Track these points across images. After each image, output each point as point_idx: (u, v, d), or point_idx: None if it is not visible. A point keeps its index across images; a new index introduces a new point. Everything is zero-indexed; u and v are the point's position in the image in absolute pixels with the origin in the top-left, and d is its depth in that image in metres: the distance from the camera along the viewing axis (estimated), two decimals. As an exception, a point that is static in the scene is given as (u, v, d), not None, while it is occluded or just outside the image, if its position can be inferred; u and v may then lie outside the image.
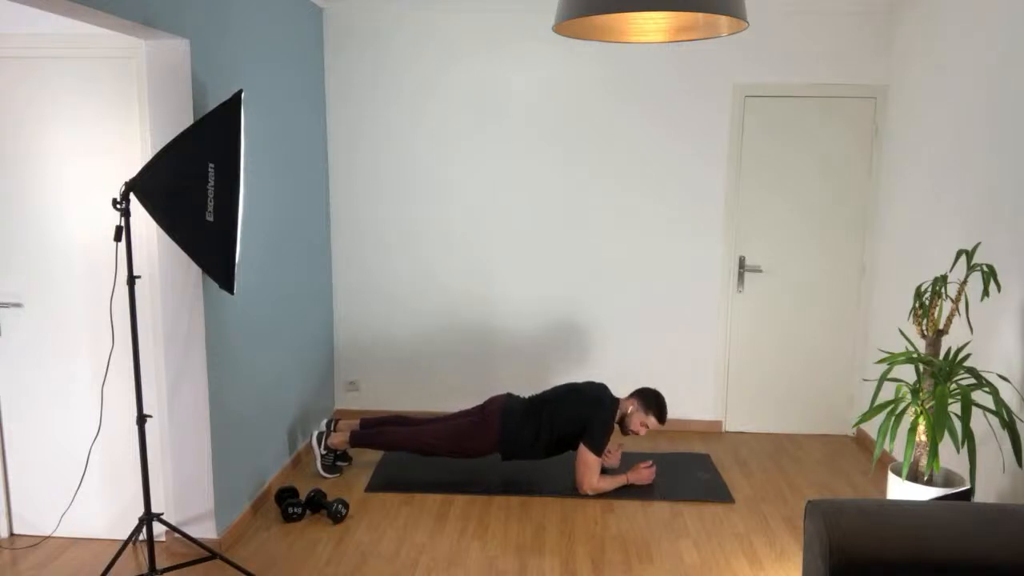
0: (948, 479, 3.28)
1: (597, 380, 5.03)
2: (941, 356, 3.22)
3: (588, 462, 3.94)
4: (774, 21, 4.63)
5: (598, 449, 3.93)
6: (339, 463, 4.26)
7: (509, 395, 4.20)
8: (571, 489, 4.05)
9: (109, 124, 3.22)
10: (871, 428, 4.78)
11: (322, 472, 4.17)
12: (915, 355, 3.20)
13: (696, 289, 4.91)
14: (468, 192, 4.89)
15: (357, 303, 5.05)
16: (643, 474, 4.10)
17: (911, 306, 3.39)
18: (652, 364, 5.00)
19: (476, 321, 5.02)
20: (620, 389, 5.03)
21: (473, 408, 4.24)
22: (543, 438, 4.00)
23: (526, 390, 5.06)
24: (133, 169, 3.24)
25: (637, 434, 4.15)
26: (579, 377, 5.05)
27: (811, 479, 4.29)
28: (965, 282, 3.19)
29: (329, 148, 4.91)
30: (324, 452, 4.17)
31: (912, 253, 4.25)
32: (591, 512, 3.84)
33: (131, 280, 2.83)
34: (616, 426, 4.43)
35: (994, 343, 3.45)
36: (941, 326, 3.26)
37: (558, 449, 4.07)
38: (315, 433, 4.19)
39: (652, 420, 4.09)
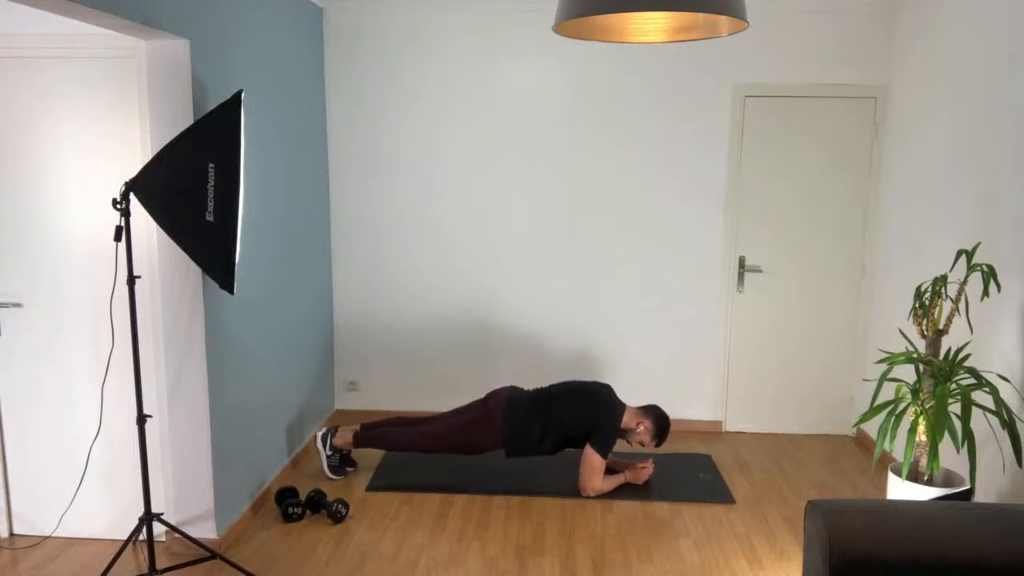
0: (948, 479, 3.27)
1: (598, 380, 5.03)
2: (941, 356, 3.22)
3: (594, 465, 3.93)
4: (774, 21, 4.63)
5: (605, 452, 3.93)
6: (347, 467, 4.25)
7: (513, 388, 4.16)
8: (571, 489, 4.05)
9: (109, 124, 3.22)
10: (871, 428, 4.78)
11: (329, 474, 4.16)
12: (915, 355, 3.20)
13: (696, 289, 4.91)
14: (468, 191, 4.89)
15: (357, 303, 5.05)
16: (641, 473, 4.09)
17: (911, 306, 3.39)
18: (652, 364, 5.00)
19: (476, 320, 5.02)
20: (621, 390, 5.03)
21: (475, 402, 4.23)
22: (550, 436, 3.99)
23: (527, 388, 5.05)
24: (133, 169, 3.24)
25: (628, 444, 4.17)
26: (579, 376, 5.04)
27: (811, 479, 4.29)
28: (965, 282, 3.19)
29: (329, 148, 4.91)
30: (330, 453, 4.16)
31: (912, 253, 4.25)
32: (591, 512, 3.84)
33: (131, 280, 2.83)
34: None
35: (994, 343, 3.45)
36: (941, 326, 3.26)
37: (561, 447, 4.06)
38: (318, 435, 4.18)
39: (651, 445, 4.10)
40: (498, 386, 5.08)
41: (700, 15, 2.37)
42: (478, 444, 4.02)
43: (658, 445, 4.11)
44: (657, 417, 4.06)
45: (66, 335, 3.37)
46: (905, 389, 3.21)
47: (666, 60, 4.70)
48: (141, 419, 2.93)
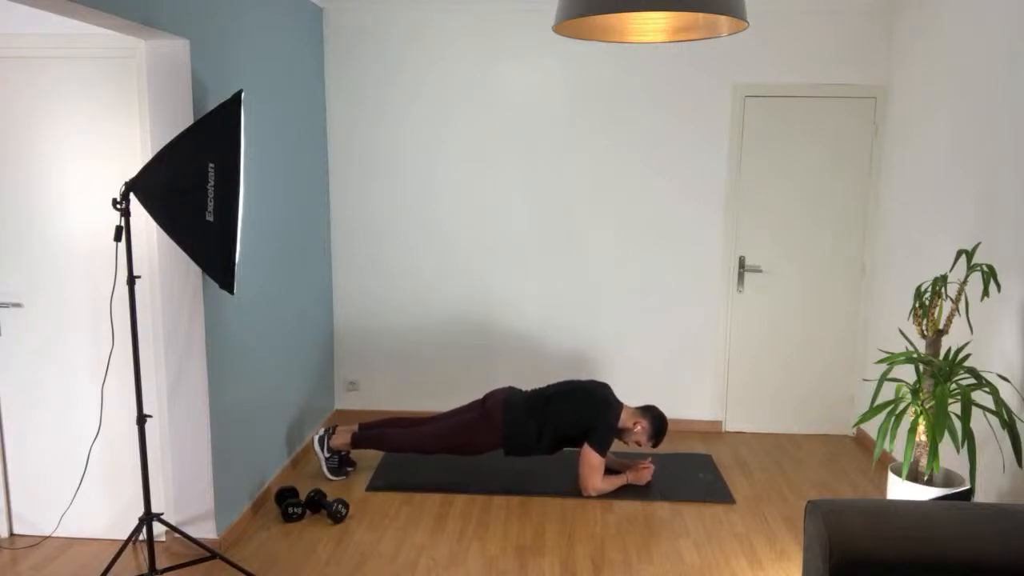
0: (948, 479, 3.27)
1: (598, 380, 5.03)
2: (941, 356, 3.22)
3: (592, 463, 3.93)
4: (774, 21, 4.63)
5: (602, 450, 3.93)
6: (347, 468, 4.25)
7: (511, 389, 4.18)
8: (571, 489, 4.05)
9: (109, 124, 3.22)
10: (871, 428, 4.78)
11: (329, 476, 4.16)
12: (915, 355, 3.20)
13: (696, 289, 4.91)
14: (468, 191, 4.89)
15: (357, 303, 5.05)
16: (642, 474, 4.10)
17: (911, 306, 3.39)
18: (652, 364, 5.00)
19: (476, 320, 5.02)
20: (621, 390, 5.03)
21: (473, 403, 4.23)
22: (547, 435, 3.99)
23: (527, 388, 5.05)
24: (133, 169, 3.24)
25: (626, 444, 4.17)
26: (578, 376, 5.04)
27: (811, 479, 4.29)
28: (965, 282, 3.19)
29: (329, 148, 4.91)
30: (328, 455, 4.16)
31: (912, 253, 4.25)
32: (591, 512, 3.84)
33: (131, 280, 2.83)
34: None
35: (994, 343, 3.45)
36: (941, 326, 3.26)
37: (560, 446, 4.06)
38: (316, 438, 4.18)
39: (648, 445, 4.10)
40: (498, 386, 5.09)
41: (700, 15, 2.37)
42: (476, 444, 4.02)
43: (655, 446, 4.11)
44: (654, 418, 4.06)
45: (66, 335, 3.37)
46: (905, 389, 3.21)
47: (666, 60, 4.70)
48: (141, 419, 2.93)
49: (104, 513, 3.48)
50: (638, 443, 4.08)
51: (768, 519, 3.80)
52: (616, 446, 4.65)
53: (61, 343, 3.37)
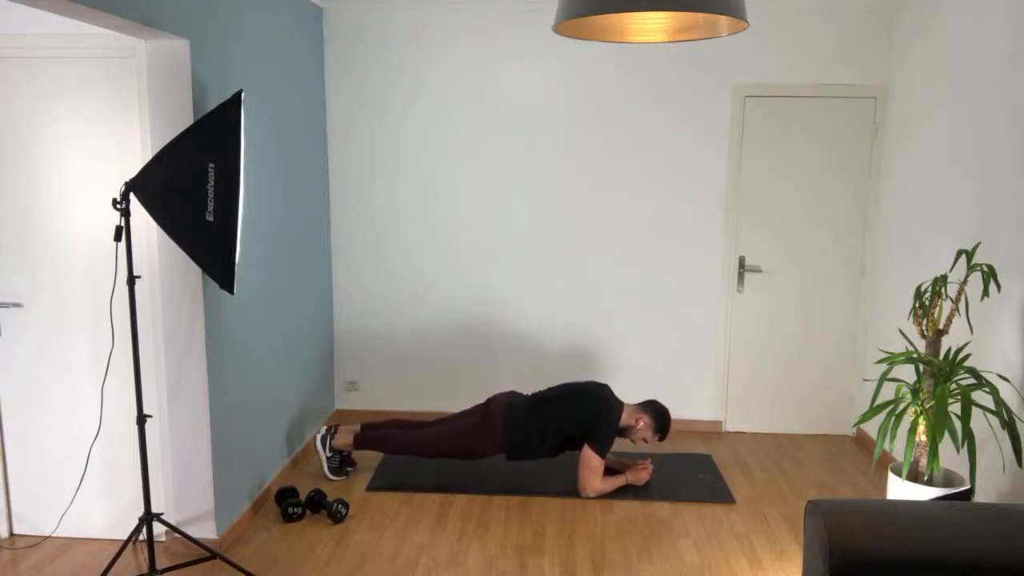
0: (948, 479, 3.27)
1: (598, 380, 5.03)
2: (941, 356, 3.22)
3: (592, 465, 3.93)
4: (774, 21, 4.63)
5: (603, 452, 3.93)
6: (347, 468, 4.25)
7: (513, 393, 4.18)
8: (571, 489, 4.05)
9: (109, 124, 3.22)
10: (871, 428, 4.78)
11: (329, 475, 4.16)
12: (915, 355, 3.20)
13: (696, 289, 4.91)
14: (468, 191, 4.89)
15: (357, 303, 5.05)
16: (641, 474, 4.09)
17: (911, 306, 3.39)
18: (652, 364, 5.00)
19: (476, 321, 5.02)
20: (621, 390, 5.03)
21: (475, 407, 4.23)
22: (549, 438, 3.99)
23: (527, 389, 5.06)
24: (133, 169, 3.24)
25: (633, 443, 4.16)
26: (580, 376, 5.05)
27: (811, 479, 4.29)
28: (965, 282, 3.19)
29: (329, 148, 4.91)
30: (330, 455, 4.16)
31: (912, 253, 4.25)
32: (591, 512, 3.84)
33: (131, 280, 2.83)
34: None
35: (994, 343, 3.45)
36: (941, 326, 3.26)
37: (562, 448, 4.06)
38: (318, 436, 4.18)
39: (654, 440, 4.09)
40: (498, 386, 5.09)
41: (700, 15, 2.37)
42: (479, 449, 4.02)
43: (661, 439, 4.08)
44: (656, 412, 4.05)
45: (66, 335, 3.37)
46: (905, 389, 3.22)
47: (666, 60, 4.70)
48: (141, 419, 2.93)
49: (104, 513, 3.48)
50: (644, 440, 4.06)
51: (768, 519, 3.80)
52: (622, 445, 4.65)
53: (61, 343, 3.37)
